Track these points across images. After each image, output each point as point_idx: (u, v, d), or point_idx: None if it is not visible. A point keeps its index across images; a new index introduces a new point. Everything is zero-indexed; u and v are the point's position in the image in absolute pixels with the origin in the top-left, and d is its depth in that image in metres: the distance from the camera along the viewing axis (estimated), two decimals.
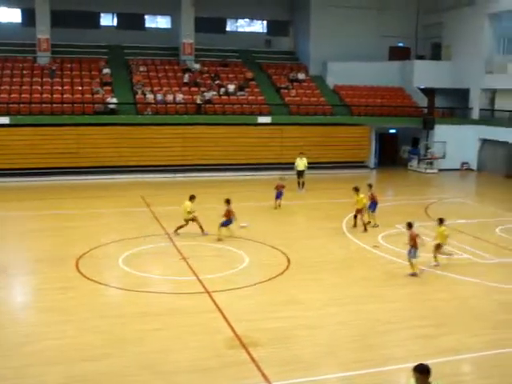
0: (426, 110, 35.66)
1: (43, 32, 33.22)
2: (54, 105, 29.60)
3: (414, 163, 34.54)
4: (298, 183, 26.37)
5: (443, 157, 33.75)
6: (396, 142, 36.92)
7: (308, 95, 34.71)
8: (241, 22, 40.81)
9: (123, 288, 13.51)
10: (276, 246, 17.00)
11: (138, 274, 14.36)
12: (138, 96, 31.59)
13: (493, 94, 34.84)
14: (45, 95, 30.26)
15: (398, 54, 38.42)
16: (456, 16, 35.69)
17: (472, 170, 34.70)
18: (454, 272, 14.89)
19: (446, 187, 30.07)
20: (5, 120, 28.09)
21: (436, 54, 38.41)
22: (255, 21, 40.86)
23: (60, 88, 31.11)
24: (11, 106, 28.97)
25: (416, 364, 6.42)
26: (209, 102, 31.96)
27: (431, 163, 33.93)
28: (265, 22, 40.58)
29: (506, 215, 22.07)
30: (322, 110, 33.59)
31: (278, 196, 22.17)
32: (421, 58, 37.77)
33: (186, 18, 35.32)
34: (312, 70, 37.37)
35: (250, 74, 35.60)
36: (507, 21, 33.31)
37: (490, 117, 34.52)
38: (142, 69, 34.30)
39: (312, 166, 27.76)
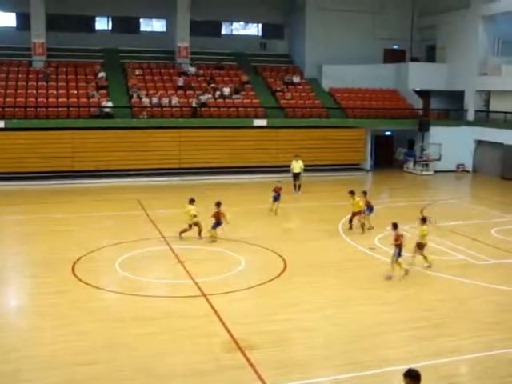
0: (421, 112, 35.69)
1: (38, 36, 33.20)
2: (50, 109, 29.54)
3: (409, 165, 34.56)
4: (294, 186, 26.37)
5: (439, 158, 33.77)
6: (391, 144, 36.98)
7: (303, 98, 34.73)
8: (236, 25, 40.84)
9: (120, 292, 13.48)
10: (272, 248, 16.97)
11: (134, 277, 14.31)
12: (133, 100, 31.57)
13: (488, 95, 34.91)
14: (40, 99, 30.20)
15: (393, 56, 38.51)
16: (450, 18, 35.77)
17: (467, 171, 34.76)
18: (451, 273, 14.91)
19: (441, 189, 30.08)
20: (0, 124, 28.05)
21: (431, 56, 38.46)
22: (250, 24, 40.91)
23: (55, 92, 31.05)
24: (6, 109, 28.89)
25: (406, 369, 6.39)
26: (204, 105, 31.95)
27: (427, 165, 33.97)
28: (260, 25, 40.58)
29: (501, 216, 22.13)
30: (318, 113, 33.61)
31: (276, 198, 22.11)
32: (416, 60, 37.80)
33: (182, 22, 35.36)
34: (307, 73, 37.43)
35: (245, 77, 35.63)
36: (502, 23, 33.35)
37: (485, 118, 34.60)
38: (137, 72, 34.27)
39: (308, 168, 27.77)
